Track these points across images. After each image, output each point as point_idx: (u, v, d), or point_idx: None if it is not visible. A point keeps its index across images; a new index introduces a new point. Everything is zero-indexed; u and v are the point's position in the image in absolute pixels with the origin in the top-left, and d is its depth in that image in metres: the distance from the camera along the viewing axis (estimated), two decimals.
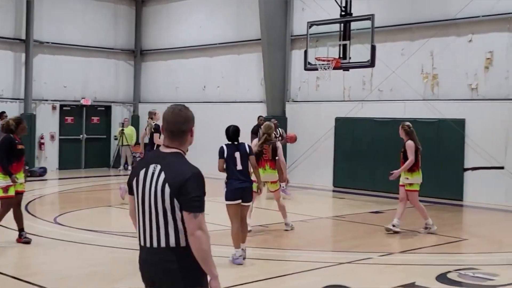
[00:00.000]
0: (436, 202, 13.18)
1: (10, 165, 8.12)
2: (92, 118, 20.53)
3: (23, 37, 18.59)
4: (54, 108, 19.47)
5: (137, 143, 20.49)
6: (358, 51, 12.61)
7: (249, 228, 8.47)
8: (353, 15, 12.84)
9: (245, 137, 7.94)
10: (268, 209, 11.79)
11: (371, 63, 12.28)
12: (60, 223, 10.20)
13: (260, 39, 16.85)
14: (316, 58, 12.87)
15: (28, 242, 8.38)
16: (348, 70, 13.54)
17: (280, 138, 13.25)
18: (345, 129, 15.51)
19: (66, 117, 19.88)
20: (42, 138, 19.00)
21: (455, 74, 13.84)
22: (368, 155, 14.99)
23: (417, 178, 9.67)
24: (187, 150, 3.44)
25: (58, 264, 7.56)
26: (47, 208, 12.50)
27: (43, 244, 8.58)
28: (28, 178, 11.63)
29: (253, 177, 7.87)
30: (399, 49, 14.71)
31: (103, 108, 20.73)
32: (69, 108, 19.90)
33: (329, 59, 12.65)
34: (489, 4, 13.18)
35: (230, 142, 7.68)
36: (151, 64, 21.25)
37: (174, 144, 3.34)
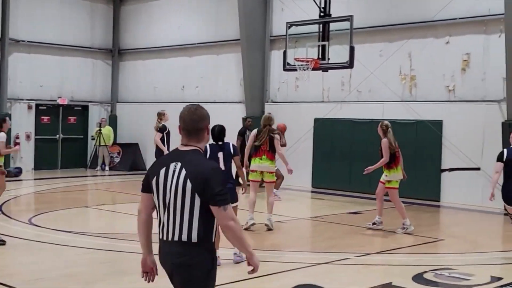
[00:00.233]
0: (413, 202, 13.27)
1: None
2: (69, 117, 20.30)
3: None
4: (30, 107, 19.21)
5: (114, 143, 20.35)
6: (337, 52, 12.65)
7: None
8: (332, 16, 12.87)
9: (228, 138, 7.88)
10: (246, 209, 11.75)
11: (350, 64, 12.32)
12: (35, 224, 10.05)
13: (239, 39, 16.83)
14: (295, 59, 12.87)
15: (2, 243, 8.25)
16: (327, 71, 13.57)
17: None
18: (324, 130, 15.55)
19: (42, 117, 19.62)
20: (17, 138, 18.70)
21: (433, 75, 13.96)
22: (346, 156, 15.05)
23: (394, 175, 9.77)
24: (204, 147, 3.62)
25: (33, 265, 7.44)
26: (22, 209, 12.32)
27: (17, 245, 8.44)
28: None
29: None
30: (377, 50, 14.78)
31: (80, 108, 20.52)
32: (45, 107, 19.65)
33: (308, 59, 12.66)
34: (466, 7, 13.31)
35: (214, 142, 7.58)
36: (129, 63, 21.09)
37: (191, 142, 3.51)
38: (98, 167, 19.69)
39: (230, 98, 17.85)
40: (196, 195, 3.34)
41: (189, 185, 3.34)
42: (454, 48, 13.66)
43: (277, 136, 9.72)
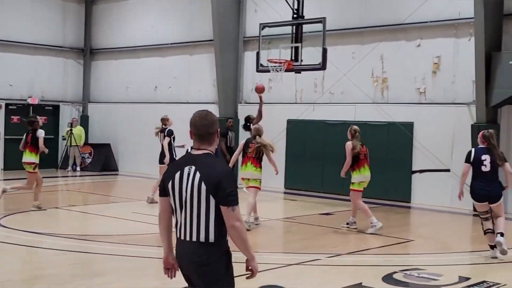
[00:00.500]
0: (384, 204, 13.41)
1: None
2: (40, 117, 19.98)
3: None
4: None
5: (86, 143, 20.13)
6: (310, 54, 12.72)
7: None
8: (305, 17, 12.93)
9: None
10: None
11: (323, 66, 12.39)
12: (3, 225, 9.88)
13: (212, 40, 16.79)
14: (268, 60, 12.89)
15: None
16: (300, 73, 13.63)
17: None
18: (297, 131, 15.61)
19: (12, 116, 19.30)
20: None
21: (404, 78, 14.12)
22: (319, 157, 15.13)
23: (356, 177, 10.00)
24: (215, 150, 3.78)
25: (0, 267, 7.31)
26: None
27: None
28: None
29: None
30: (350, 52, 14.89)
31: (51, 108, 20.26)
32: (15, 107, 19.35)
33: (281, 61, 12.70)
34: (436, 10, 13.50)
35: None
36: (101, 63, 20.89)
37: (203, 146, 3.68)
38: (69, 168, 19.46)
39: (203, 98, 17.80)
40: (211, 197, 3.53)
41: (203, 187, 3.53)
42: (425, 51, 13.84)
43: (269, 146, 10.08)
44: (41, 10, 19.67)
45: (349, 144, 9.99)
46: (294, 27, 12.83)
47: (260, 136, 10.10)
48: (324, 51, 12.25)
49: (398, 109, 14.04)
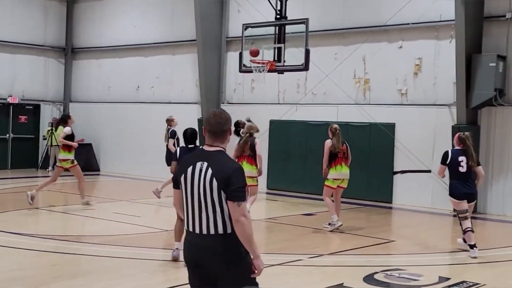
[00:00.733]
0: (366, 204, 13.48)
1: None
2: (20, 117, 19.83)
3: None
4: None
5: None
6: (293, 55, 12.73)
7: None
8: (288, 18, 12.94)
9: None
10: None
11: (305, 67, 12.42)
12: None
13: (195, 40, 16.75)
14: (251, 61, 12.88)
15: None
16: (282, 73, 13.63)
17: None
18: (280, 131, 15.63)
19: None
20: None
21: (386, 79, 14.20)
22: (301, 157, 15.16)
23: (331, 174, 10.12)
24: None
25: None
26: None
27: None
28: None
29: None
30: (332, 53, 14.95)
31: (32, 107, 20.07)
32: None
33: (264, 61, 12.69)
34: (418, 12, 13.60)
35: (185, 145, 7.78)
36: (83, 62, 20.73)
37: (216, 143, 3.84)
38: (50, 168, 19.25)
39: (186, 99, 17.75)
40: (222, 192, 3.67)
41: (215, 183, 3.67)
42: (406, 52, 13.93)
43: (257, 140, 10.24)
44: (22, 8, 19.47)
45: (327, 142, 10.11)
46: (277, 27, 12.84)
47: (251, 134, 10.21)
48: (307, 52, 12.28)
49: (380, 110, 14.12)
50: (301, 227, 10.74)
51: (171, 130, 12.67)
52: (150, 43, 18.54)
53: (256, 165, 10.15)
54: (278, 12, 12.94)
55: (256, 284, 3.77)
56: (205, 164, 3.74)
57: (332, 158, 10.07)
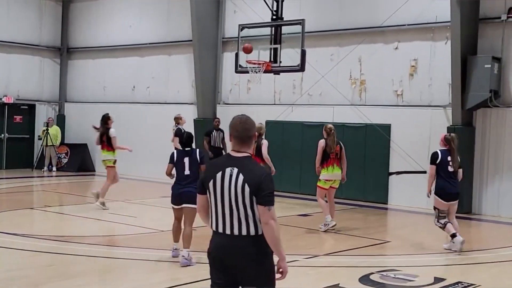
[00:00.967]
0: (361, 205, 13.50)
1: None
2: (15, 117, 19.76)
3: None
4: None
5: (62, 143, 19.92)
6: (289, 55, 12.73)
7: None
8: (284, 19, 12.95)
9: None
10: None
11: (301, 68, 12.42)
12: None
13: (191, 40, 16.74)
14: (247, 61, 12.88)
15: None
16: (278, 74, 13.65)
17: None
18: (275, 132, 15.61)
19: None
20: None
21: (382, 80, 14.23)
22: (297, 158, 15.16)
23: (323, 175, 10.17)
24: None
25: None
26: None
27: None
28: None
29: None
30: (328, 54, 14.97)
31: (27, 107, 20.01)
32: None
33: (260, 62, 12.69)
34: (414, 14, 13.63)
35: (181, 148, 7.91)
36: (79, 62, 20.69)
37: (243, 148, 3.95)
38: (45, 168, 19.23)
39: (182, 99, 17.74)
40: (253, 197, 3.81)
41: (247, 188, 3.81)
42: (402, 54, 13.96)
43: (264, 141, 10.52)
44: (17, 8, 19.42)
45: (321, 142, 10.15)
46: (273, 28, 12.85)
47: (261, 135, 10.60)
48: (303, 53, 12.29)
49: (376, 111, 14.15)
50: (297, 228, 10.74)
51: (177, 128, 12.59)
52: (146, 43, 18.52)
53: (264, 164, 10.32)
54: (274, 12, 12.95)
55: (275, 286, 3.94)
56: (235, 170, 3.86)
57: (325, 159, 10.10)
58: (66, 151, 19.78)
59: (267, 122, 15.77)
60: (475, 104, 12.53)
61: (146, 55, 18.73)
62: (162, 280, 6.90)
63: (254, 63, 12.77)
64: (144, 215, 11.65)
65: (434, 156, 8.81)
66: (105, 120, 12.10)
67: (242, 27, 13.39)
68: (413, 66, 13.82)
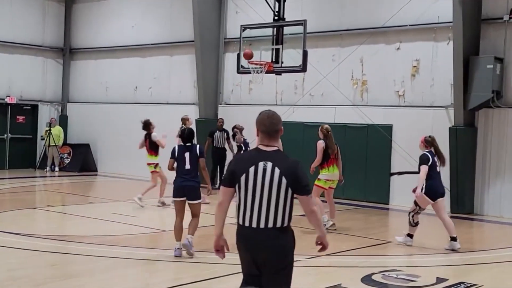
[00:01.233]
0: (363, 205, 13.49)
1: None
2: (18, 117, 19.82)
3: None
4: None
5: (65, 143, 19.96)
6: (291, 56, 12.73)
7: None
8: (286, 20, 12.95)
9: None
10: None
11: (303, 68, 12.42)
12: None
13: (193, 41, 16.76)
14: (249, 62, 12.90)
15: None
16: (280, 74, 13.66)
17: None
18: None
19: None
20: None
21: (384, 80, 14.23)
22: (298, 158, 15.11)
23: (324, 175, 10.22)
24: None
25: None
26: None
27: None
28: None
29: None
30: (330, 55, 14.97)
31: (30, 107, 20.06)
32: None
33: (261, 63, 12.70)
34: (416, 14, 13.63)
35: (183, 143, 8.17)
36: (81, 63, 20.73)
37: (272, 142, 4.13)
38: (48, 168, 19.27)
39: (184, 99, 17.76)
40: (289, 188, 4.01)
41: (284, 181, 4.00)
42: (404, 54, 13.96)
43: None
44: (20, 8, 19.47)
45: (320, 143, 10.18)
46: (275, 29, 12.85)
47: None
48: (305, 53, 12.29)
49: (377, 112, 14.15)
50: (297, 228, 10.70)
51: (182, 129, 12.62)
52: (148, 44, 18.55)
53: None
54: (276, 13, 12.95)
55: (291, 277, 4.20)
56: (269, 164, 4.01)
57: (325, 159, 10.15)
58: (68, 151, 19.82)
59: None
60: (477, 105, 12.53)
61: (148, 56, 18.76)
62: (163, 280, 6.92)
63: (256, 64, 12.78)
64: (146, 215, 11.67)
65: (425, 157, 9.04)
66: (148, 125, 12.40)
67: (244, 28, 13.39)
68: (415, 66, 13.81)
